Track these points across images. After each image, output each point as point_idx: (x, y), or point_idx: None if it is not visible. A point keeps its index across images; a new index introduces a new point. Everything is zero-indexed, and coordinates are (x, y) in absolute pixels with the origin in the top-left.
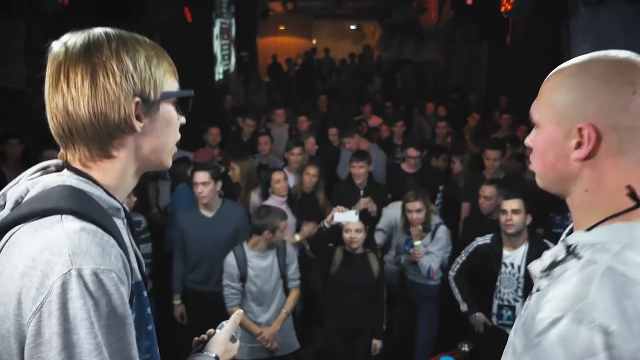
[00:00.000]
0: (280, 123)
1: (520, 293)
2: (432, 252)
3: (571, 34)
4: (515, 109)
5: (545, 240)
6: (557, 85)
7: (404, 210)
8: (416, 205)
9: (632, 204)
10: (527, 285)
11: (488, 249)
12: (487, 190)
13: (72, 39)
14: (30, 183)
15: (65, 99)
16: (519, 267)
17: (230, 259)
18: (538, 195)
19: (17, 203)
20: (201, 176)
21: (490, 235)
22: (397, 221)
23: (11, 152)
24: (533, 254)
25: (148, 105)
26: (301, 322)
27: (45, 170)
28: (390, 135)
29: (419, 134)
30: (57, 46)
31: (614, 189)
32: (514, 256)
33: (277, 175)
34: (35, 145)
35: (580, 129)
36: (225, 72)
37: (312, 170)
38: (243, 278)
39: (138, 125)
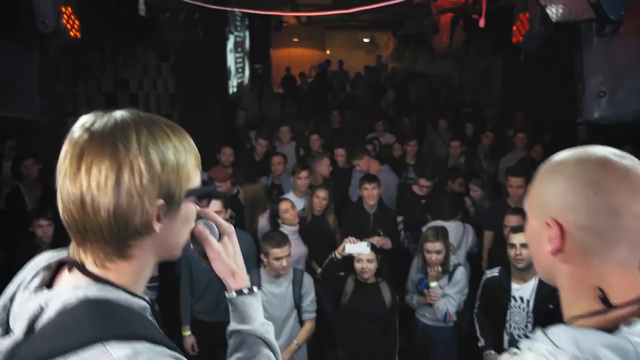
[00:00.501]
0: (286, 141)
1: (530, 328)
2: (449, 294)
3: (584, 64)
4: (530, 123)
5: None
6: (538, 179)
7: (422, 249)
8: (436, 246)
9: (601, 307)
10: (537, 320)
11: (497, 283)
12: (513, 220)
13: (97, 125)
14: (42, 299)
15: (83, 193)
16: (528, 302)
17: None
18: None
19: (31, 325)
20: (214, 205)
21: (498, 268)
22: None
23: (28, 172)
24: (543, 289)
25: (171, 206)
26: (313, 345)
27: (50, 269)
28: (402, 154)
29: (430, 151)
30: (79, 130)
31: (584, 289)
32: (523, 290)
33: (284, 205)
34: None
35: (547, 224)
36: (239, 85)
37: (322, 193)
38: None
39: (158, 227)
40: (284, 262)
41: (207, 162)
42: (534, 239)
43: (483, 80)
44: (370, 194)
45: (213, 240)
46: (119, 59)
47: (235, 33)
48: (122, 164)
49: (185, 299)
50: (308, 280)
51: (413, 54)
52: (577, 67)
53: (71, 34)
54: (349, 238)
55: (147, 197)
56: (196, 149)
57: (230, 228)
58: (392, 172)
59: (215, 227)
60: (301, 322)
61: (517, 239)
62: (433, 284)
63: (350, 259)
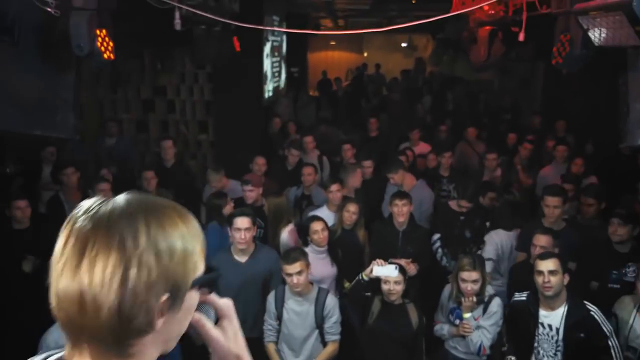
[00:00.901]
0: (310, 149)
1: (559, 357)
2: (483, 326)
3: (629, 88)
4: (572, 133)
5: (586, 303)
6: None
7: (456, 278)
8: (472, 275)
9: None
10: (568, 349)
11: (524, 307)
12: (542, 240)
13: (102, 212)
14: None
15: (83, 289)
16: (557, 330)
17: (271, 296)
18: (593, 245)
19: None
20: (244, 222)
21: (527, 292)
22: (504, 247)
23: (68, 180)
24: (572, 317)
25: (176, 299)
26: None
27: None
28: (437, 165)
29: (461, 163)
30: (81, 217)
31: None
32: (551, 317)
33: (316, 226)
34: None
35: None
36: (275, 89)
37: (352, 208)
38: (279, 317)
39: (160, 323)
40: (294, 279)
41: (242, 170)
42: None
43: (523, 86)
44: (400, 211)
45: (210, 327)
46: (157, 67)
47: (272, 38)
48: (131, 257)
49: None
50: (332, 302)
51: (452, 58)
52: (622, 90)
53: (105, 56)
54: (377, 260)
55: (154, 295)
56: (202, 234)
57: (229, 310)
58: (427, 186)
59: (212, 311)
60: (324, 343)
61: (544, 265)
62: (467, 315)
63: (377, 279)
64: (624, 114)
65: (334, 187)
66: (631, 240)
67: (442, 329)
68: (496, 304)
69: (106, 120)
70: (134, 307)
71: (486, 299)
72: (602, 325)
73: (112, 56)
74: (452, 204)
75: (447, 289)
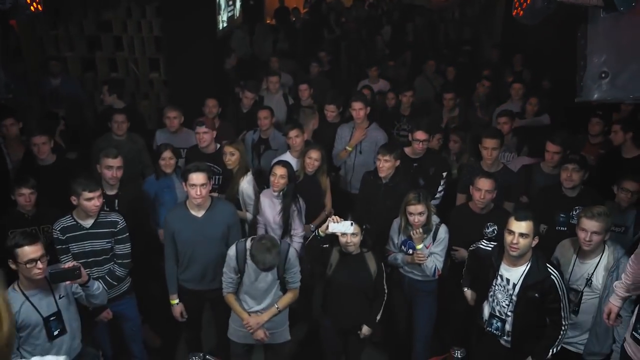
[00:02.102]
0: (275, 90)
1: (511, 308)
2: (435, 252)
3: (588, 41)
4: (530, 68)
5: (548, 266)
6: None
7: (405, 211)
8: (418, 208)
9: None
10: (519, 305)
11: (487, 256)
12: (486, 184)
13: None
14: None
15: None
16: (515, 286)
17: (232, 251)
18: (543, 189)
19: None
20: (200, 178)
21: (494, 244)
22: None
23: (7, 132)
24: (531, 277)
25: None
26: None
27: None
28: (396, 103)
29: (419, 99)
30: None
31: None
32: (511, 273)
33: (276, 170)
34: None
35: None
36: (230, 19)
37: (314, 154)
38: (240, 271)
39: None
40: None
41: (196, 112)
42: None
43: (484, 15)
44: (381, 166)
45: None
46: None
47: None
48: None
49: (170, 269)
50: (292, 255)
51: None
52: (580, 42)
53: (32, 7)
54: (333, 217)
55: None
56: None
57: None
58: (380, 129)
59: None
60: (284, 290)
61: (517, 227)
62: (419, 246)
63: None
64: (581, 68)
65: (293, 133)
66: (580, 185)
67: (396, 258)
68: (443, 231)
69: (48, 59)
70: None
71: (433, 228)
72: (558, 288)
73: (40, 7)
74: (407, 150)
75: (396, 223)
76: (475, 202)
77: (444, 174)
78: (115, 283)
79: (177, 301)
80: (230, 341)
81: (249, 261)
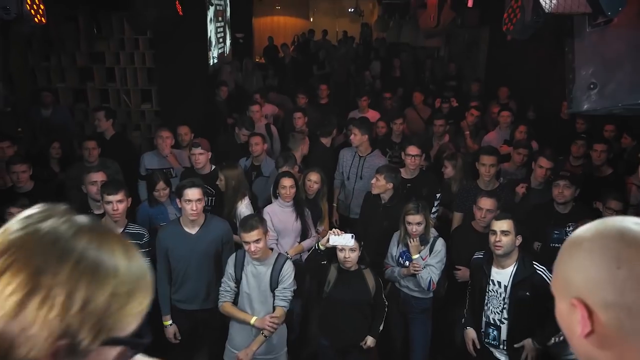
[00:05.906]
0: (257, 118)
1: (505, 314)
2: (431, 264)
3: (575, 55)
4: (514, 99)
5: (535, 264)
6: (559, 257)
7: (404, 221)
8: (417, 218)
9: None
10: (512, 307)
11: (479, 265)
12: (488, 203)
13: (44, 227)
14: None
15: None
16: (505, 287)
17: (231, 259)
18: (535, 207)
19: None
20: (195, 193)
21: (484, 251)
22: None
23: (3, 155)
24: (519, 275)
25: (75, 349)
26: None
27: None
28: (387, 132)
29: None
30: (19, 220)
31: None
32: (501, 275)
33: (284, 182)
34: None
35: (573, 304)
36: (220, 55)
37: (313, 177)
38: (238, 280)
39: None
40: (252, 247)
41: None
42: (565, 323)
43: (469, 52)
44: (375, 184)
45: None
46: (94, 32)
47: (215, 1)
48: (40, 287)
49: (163, 289)
50: (289, 268)
51: (398, 24)
52: (568, 56)
53: (36, 19)
54: (333, 230)
55: (48, 333)
56: (147, 294)
57: None
58: (382, 155)
59: None
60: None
61: (498, 226)
62: (415, 256)
63: (333, 247)
64: (570, 81)
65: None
66: (571, 201)
67: (393, 271)
68: (440, 244)
69: (39, 90)
70: (20, 336)
71: (431, 240)
72: (548, 283)
73: (43, 20)
74: (403, 171)
75: (395, 236)
76: (477, 221)
77: (438, 195)
78: None
79: (170, 322)
80: None
81: (246, 269)
